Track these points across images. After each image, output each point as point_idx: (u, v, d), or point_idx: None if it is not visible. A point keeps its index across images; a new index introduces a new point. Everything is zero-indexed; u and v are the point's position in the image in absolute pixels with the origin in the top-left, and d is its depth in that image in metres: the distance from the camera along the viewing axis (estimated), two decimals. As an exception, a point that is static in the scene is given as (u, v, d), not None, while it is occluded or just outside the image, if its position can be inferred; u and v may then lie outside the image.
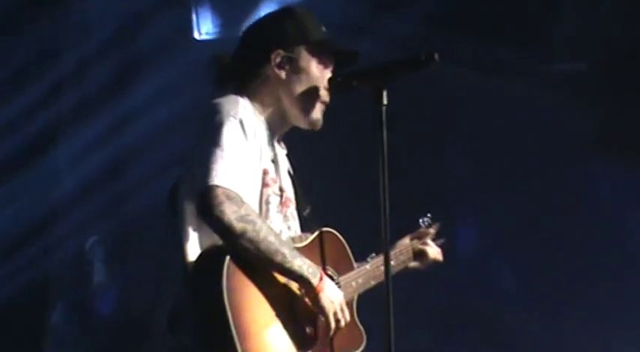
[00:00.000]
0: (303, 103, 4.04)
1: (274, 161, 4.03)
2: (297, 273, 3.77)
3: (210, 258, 3.73)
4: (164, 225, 3.92)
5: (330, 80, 4.01)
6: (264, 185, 3.93)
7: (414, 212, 4.67)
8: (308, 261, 3.81)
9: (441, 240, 4.66)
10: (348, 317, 3.89)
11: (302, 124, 4.08)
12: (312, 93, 4.04)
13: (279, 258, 3.72)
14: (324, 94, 4.05)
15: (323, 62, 4.07)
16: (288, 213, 4.06)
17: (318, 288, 3.79)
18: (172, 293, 3.84)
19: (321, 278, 3.81)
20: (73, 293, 7.96)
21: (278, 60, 4.02)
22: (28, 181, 8.13)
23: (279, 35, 4.07)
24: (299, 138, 4.20)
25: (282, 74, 4.02)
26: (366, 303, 4.14)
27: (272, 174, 3.99)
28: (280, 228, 3.98)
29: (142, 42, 8.39)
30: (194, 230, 3.84)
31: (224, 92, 3.98)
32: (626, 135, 7.91)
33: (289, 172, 4.19)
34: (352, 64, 4.13)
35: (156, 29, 8.37)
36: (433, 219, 4.66)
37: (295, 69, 4.03)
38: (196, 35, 8.45)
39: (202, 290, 3.69)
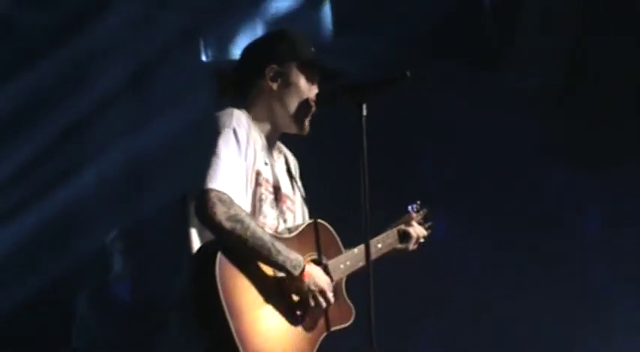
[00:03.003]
0: (293, 112, 4.09)
1: (267, 163, 4.06)
2: (281, 266, 3.81)
3: (206, 252, 3.77)
4: (175, 223, 3.97)
5: (317, 94, 4.09)
6: (258, 184, 3.97)
7: (392, 206, 4.60)
8: (292, 255, 3.84)
9: (429, 224, 4.65)
10: (332, 299, 3.91)
11: (292, 130, 4.14)
12: (300, 104, 4.09)
13: (264, 253, 3.77)
14: (310, 105, 4.10)
15: (310, 78, 4.12)
16: (284, 208, 4.10)
17: (300, 279, 3.84)
18: (181, 282, 3.87)
19: (303, 269, 3.85)
20: (96, 283, 7.80)
21: (271, 74, 4.07)
22: (55, 181, 8.06)
23: (273, 52, 4.12)
24: (296, 146, 4.32)
25: (274, 86, 4.07)
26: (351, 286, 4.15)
27: (266, 174, 4.03)
28: (275, 221, 4.04)
29: (157, 64, 8.31)
30: (196, 228, 3.88)
31: (223, 105, 4.03)
32: (576, 142, 7.89)
33: (290, 173, 4.25)
34: (335, 79, 4.19)
35: (168, 53, 8.30)
36: (421, 206, 4.66)
37: (286, 82, 4.08)
38: (203, 58, 8.43)
39: (199, 280, 3.73)
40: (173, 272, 3.97)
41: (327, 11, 8.42)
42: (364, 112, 3.85)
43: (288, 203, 4.15)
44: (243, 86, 4.13)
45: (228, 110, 3.96)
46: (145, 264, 7.82)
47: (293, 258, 3.84)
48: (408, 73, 3.87)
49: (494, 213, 7.77)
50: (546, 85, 8.08)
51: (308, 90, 4.11)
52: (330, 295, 3.92)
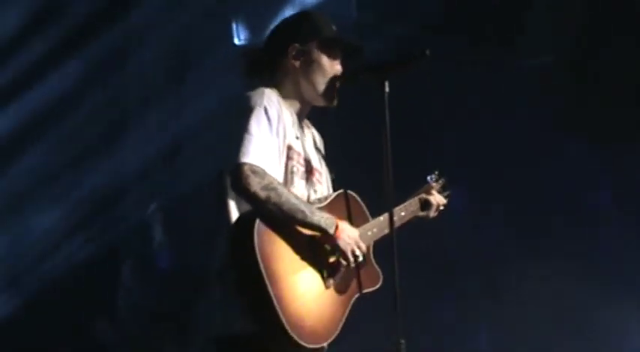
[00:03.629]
0: (318, 88, 4.09)
1: (298, 138, 4.07)
2: (317, 225, 3.83)
3: (244, 221, 3.79)
4: (214, 197, 3.98)
5: (342, 73, 4.10)
6: (289, 158, 3.98)
7: (414, 176, 4.61)
8: (325, 215, 3.86)
9: (447, 192, 4.64)
10: (364, 249, 3.93)
11: (319, 103, 4.15)
12: (324, 80, 4.09)
13: (300, 216, 3.78)
14: (335, 80, 4.10)
15: (332, 54, 4.12)
16: (314, 180, 4.11)
17: (335, 235, 3.85)
18: (220, 250, 3.89)
19: (337, 226, 3.86)
20: (139, 252, 7.93)
21: (294, 53, 4.09)
22: (102, 161, 8.05)
23: (295, 32, 4.14)
24: (322, 123, 4.33)
25: (297, 64, 4.08)
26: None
27: (297, 148, 4.03)
28: (305, 191, 4.04)
29: (191, 47, 8.33)
30: (234, 201, 3.89)
31: (254, 85, 4.04)
32: (589, 118, 7.79)
33: (317, 148, 4.25)
34: (357, 56, 4.21)
35: (202, 37, 8.26)
36: (439, 176, 4.65)
37: (308, 60, 4.09)
38: (236, 41, 8.33)
39: (238, 248, 3.74)
40: (211, 243, 3.96)
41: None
42: (386, 89, 3.87)
43: (317, 176, 4.15)
44: (271, 66, 4.15)
45: (259, 90, 3.97)
46: (184, 235, 7.81)
47: (327, 217, 3.86)
48: (428, 52, 3.89)
49: (510, 185, 7.71)
50: (558, 62, 7.99)
51: (330, 66, 4.11)
52: (363, 246, 3.94)
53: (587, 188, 7.91)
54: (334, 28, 4.18)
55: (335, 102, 4.15)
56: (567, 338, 7.48)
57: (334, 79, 4.10)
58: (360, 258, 3.93)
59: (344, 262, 3.91)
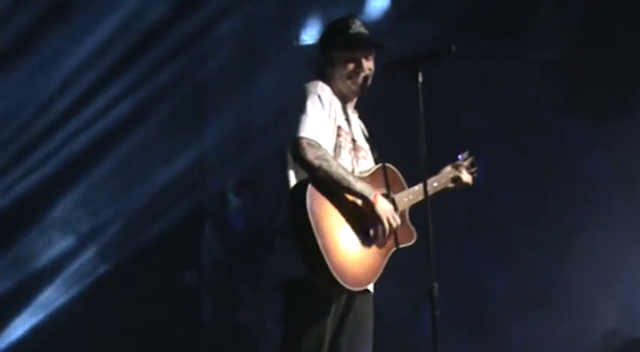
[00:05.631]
0: (349, 81, 3.99)
1: (347, 120, 4.02)
2: (359, 193, 3.78)
3: (300, 186, 3.76)
4: (278, 167, 3.95)
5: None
6: (338, 136, 3.94)
7: (442, 154, 4.52)
8: (366, 185, 3.81)
9: (475, 168, 4.44)
10: (398, 221, 3.85)
11: (353, 95, 4.06)
12: (353, 79, 3.99)
13: (345, 183, 3.75)
14: (363, 77, 3.99)
15: (357, 56, 3.99)
16: (360, 155, 4.03)
17: (372, 201, 3.79)
18: (281, 212, 3.87)
19: (375, 196, 3.81)
20: (218, 215, 7.83)
21: (327, 57, 4.02)
22: (188, 143, 8.08)
23: (326, 40, 4.08)
24: (367, 110, 4.24)
25: (331, 66, 4.00)
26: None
27: (345, 128, 3.99)
28: (350, 164, 3.97)
29: (260, 47, 8.31)
30: (293, 171, 3.87)
31: (313, 78, 4.00)
32: (585, 101, 7.84)
33: (362, 131, 4.16)
34: (380, 48, 4.06)
35: (265, 37, 8.28)
36: (469, 154, 4.46)
37: (337, 63, 3.99)
38: (295, 42, 8.35)
39: (294, 207, 3.72)
40: (275, 207, 3.97)
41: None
42: (420, 79, 3.82)
43: (363, 153, 4.08)
44: (321, 63, 4.08)
45: (314, 82, 3.96)
46: (254, 200, 7.81)
47: (367, 187, 3.82)
48: (453, 48, 3.84)
49: (521, 155, 7.72)
50: (562, 55, 7.97)
51: (357, 66, 4.00)
52: (396, 216, 3.87)
53: (583, 153, 7.95)
54: (362, 29, 4.04)
55: (364, 94, 4.06)
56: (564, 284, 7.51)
57: (363, 76, 4.00)
58: (395, 226, 3.85)
59: (380, 225, 3.85)
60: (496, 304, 7.97)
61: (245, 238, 7.70)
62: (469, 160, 4.46)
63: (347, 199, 3.80)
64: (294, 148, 3.75)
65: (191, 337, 7.54)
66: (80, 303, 7.59)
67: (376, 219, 3.81)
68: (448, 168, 4.34)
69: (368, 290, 3.94)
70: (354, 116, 4.13)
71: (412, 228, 4.02)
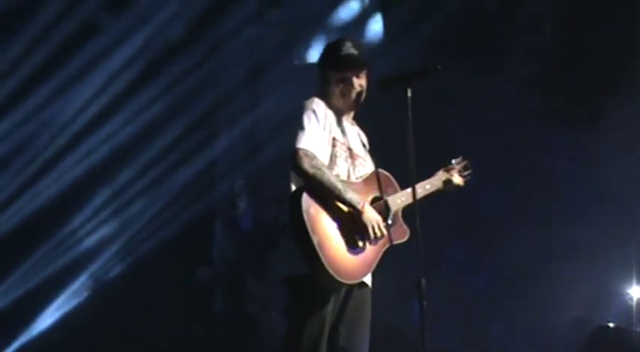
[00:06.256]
0: (343, 98, 4.04)
1: (342, 131, 4.05)
2: (348, 201, 3.81)
3: (297, 192, 3.80)
4: (281, 174, 4.00)
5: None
6: (334, 146, 3.96)
7: (430, 159, 4.34)
8: (356, 195, 3.82)
9: (468, 172, 4.42)
10: (384, 231, 3.85)
11: (348, 109, 4.09)
12: (344, 96, 4.04)
13: (336, 192, 3.78)
14: (355, 94, 4.03)
15: (348, 75, 4.03)
16: (357, 163, 4.07)
17: (359, 211, 3.81)
18: (284, 214, 3.90)
19: (363, 205, 3.83)
20: (228, 216, 7.97)
21: (322, 77, 4.08)
22: (200, 152, 8.07)
23: (321, 61, 4.13)
24: (364, 123, 4.30)
25: (326, 85, 4.06)
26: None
27: (340, 139, 4.01)
28: (346, 171, 4.00)
29: (265, 66, 8.33)
30: (294, 179, 3.89)
31: (311, 96, 4.03)
32: (561, 112, 7.87)
33: (362, 142, 4.19)
34: (368, 66, 4.10)
35: (271, 58, 8.32)
36: (463, 159, 4.44)
37: (331, 82, 4.05)
38: (295, 61, 8.40)
39: (292, 210, 3.76)
40: (279, 210, 4.01)
41: (378, 19, 8.36)
42: (409, 94, 3.87)
43: (360, 160, 4.11)
44: (320, 82, 4.14)
45: (311, 98, 4.01)
46: (261, 203, 7.89)
47: (356, 196, 3.83)
48: (439, 66, 3.88)
49: (502, 161, 7.65)
50: (538, 72, 7.97)
51: (349, 84, 4.02)
52: (382, 226, 3.86)
53: (555, 158, 7.90)
54: (351, 51, 4.04)
55: (356, 108, 4.10)
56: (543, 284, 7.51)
57: (355, 93, 4.03)
58: (379, 235, 3.85)
59: (367, 233, 3.87)
60: (478, 297, 7.96)
61: (252, 237, 7.79)
62: (462, 164, 4.46)
63: (339, 206, 3.85)
64: (292, 158, 3.82)
65: (204, 325, 7.61)
66: (106, 296, 7.71)
67: (362, 227, 3.83)
68: (440, 172, 4.35)
69: (366, 284, 3.99)
70: (352, 127, 4.16)
71: (405, 226, 4.04)
